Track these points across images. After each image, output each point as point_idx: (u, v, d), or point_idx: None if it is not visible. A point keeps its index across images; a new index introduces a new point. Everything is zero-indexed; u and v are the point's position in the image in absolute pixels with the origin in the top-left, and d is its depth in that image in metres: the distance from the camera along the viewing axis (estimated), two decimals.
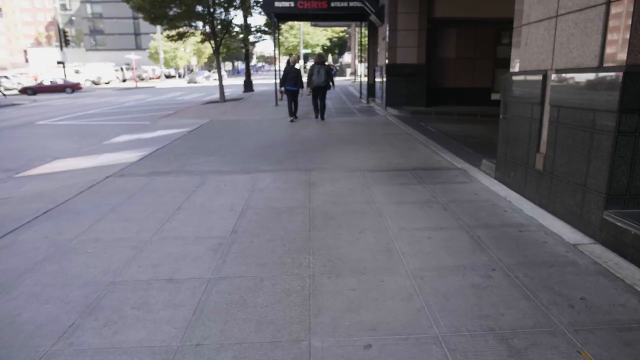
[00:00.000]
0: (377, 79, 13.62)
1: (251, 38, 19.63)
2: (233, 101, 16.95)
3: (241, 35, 18.99)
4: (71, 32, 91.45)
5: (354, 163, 5.97)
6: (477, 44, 12.87)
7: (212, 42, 16.51)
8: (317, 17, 15.28)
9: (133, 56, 44.96)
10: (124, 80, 52.35)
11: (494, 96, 13.25)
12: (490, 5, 11.96)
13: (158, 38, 51.20)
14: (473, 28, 12.79)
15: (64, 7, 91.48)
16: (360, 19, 15.66)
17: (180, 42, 17.49)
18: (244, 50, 22.08)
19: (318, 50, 54.37)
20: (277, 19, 15.35)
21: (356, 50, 21.02)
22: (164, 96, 25.31)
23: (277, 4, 13.25)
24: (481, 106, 12.83)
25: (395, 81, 12.12)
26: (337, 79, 15.63)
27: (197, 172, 5.68)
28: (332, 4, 13.15)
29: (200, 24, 16.60)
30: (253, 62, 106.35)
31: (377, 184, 4.89)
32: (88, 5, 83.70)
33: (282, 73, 10.78)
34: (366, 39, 16.77)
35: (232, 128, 9.61)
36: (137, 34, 79.44)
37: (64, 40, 41.75)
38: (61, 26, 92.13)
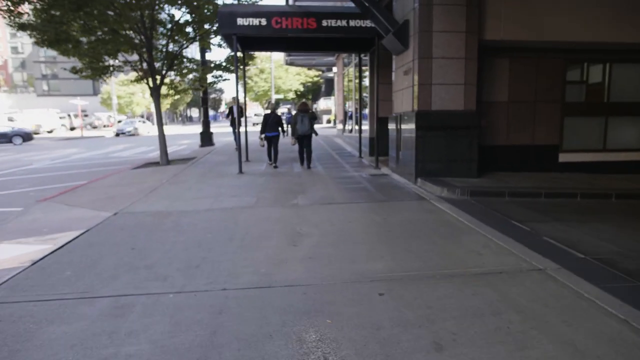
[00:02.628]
0: (392, 133, 9.13)
1: (209, 78, 15.04)
2: (180, 163, 12.00)
3: (193, 74, 14.36)
4: (23, 76, 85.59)
5: None
6: (539, 82, 8.67)
7: (150, 80, 11.76)
8: (300, 43, 10.85)
9: (79, 102, 39.62)
10: (72, 129, 46.50)
11: (565, 157, 8.93)
12: (562, 24, 7.86)
13: (111, 82, 46.35)
14: (534, 58, 8.62)
15: (15, 50, 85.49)
16: (361, 48, 11.35)
17: (136, 85, 13.02)
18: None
19: (291, 95, 50.81)
20: (241, 46, 10.84)
21: (343, 95, 16.68)
22: (100, 151, 20.15)
23: (240, 21, 8.76)
24: (548, 172, 8.48)
25: (430, 138, 7.61)
26: (316, 127, 11.69)
27: None
28: (325, 23, 8.78)
29: (130, 54, 11.91)
30: (222, 108, 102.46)
31: None
32: (42, 49, 78.45)
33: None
34: (362, 77, 12.49)
35: (147, 242, 4.64)
36: (95, 79, 74.40)
37: None
38: (11, 70, 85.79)
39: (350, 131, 14.22)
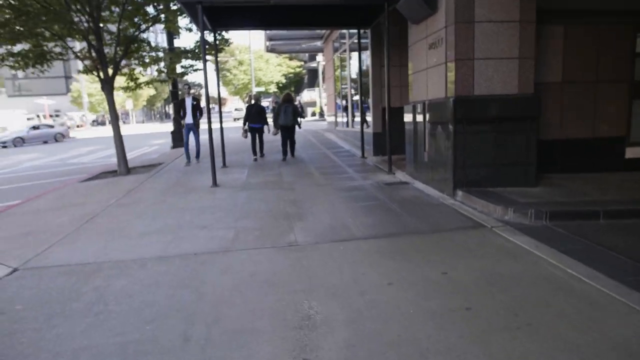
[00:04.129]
0: (409, 127, 7.05)
1: (178, 68, 12.73)
2: (142, 171, 9.73)
3: (160, 64, 12.05)
4: None
5: None
6: (600, 57, 6.67)
7: (100, 71, 9.43)
8: (284, 15, 8.56)
9: (45, 101, 36.67)
10: None
11: (633, 152, 6.99)
12: None
13: (81, 79, 43.18)
14: (595, 24, 6.60)
15: (9, 51, 79.25)
16: (361, 21, 9.20)
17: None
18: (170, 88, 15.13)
19: (272, 88, 48.33)
20: (211, 23, 8.59)
21: (334, 83, 14.54)
22: (61, 155, 17.70)
23: None
24: (612, 171, 6.57)
25: (473, 134, 5.55)
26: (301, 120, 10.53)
27: None
28: None
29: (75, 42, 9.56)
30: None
31: None
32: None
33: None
34: (358, 62, 10.35)
35: (31, 347, 2.49)
36: (67, 77, 70.67)
37: None
38: None
39: (348, 125, 12.09)
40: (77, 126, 49.59)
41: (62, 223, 5.48)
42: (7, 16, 8.25)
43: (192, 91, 10.60)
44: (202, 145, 10.27)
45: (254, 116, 10.15)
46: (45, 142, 27.39)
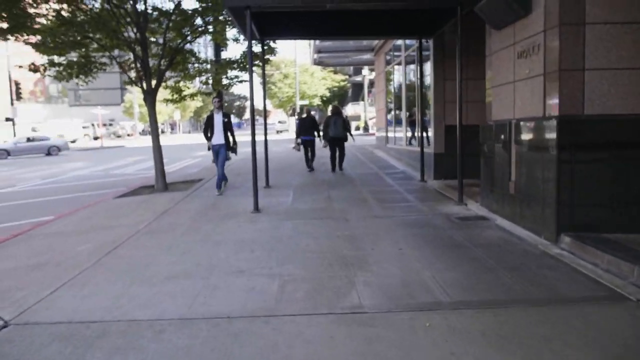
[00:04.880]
0: (488, 149, 5.89)
1: (223, 79, 12.17)
2: (181, 187, 9.07)
3: (205, 75, 11.56)
4: (58, 87, 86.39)
5: None
6: None
7: (144, 82, 8.93)
8: (339, 23, 7.66)
9: (99, 111, 37.94)
10: (96, 138, 45.09)
11: None
12: None
13: (134, 90, 44.64)
14: None
15: (51, 61, 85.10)
16: (424, 29, 8.17)
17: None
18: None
19: (316, 101, 47.89)
20: (259, 31, 7.85)
21: (386, 98, 13.53)
22: (106, 165, 17.71)
23: None
24: None
25: (585, 163, 4.34)
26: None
27: None
28: None
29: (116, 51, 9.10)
30: (246, 115, 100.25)
31: None
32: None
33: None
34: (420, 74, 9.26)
35: None
36: (123, 88, 74.11)
37: (15, 94, 34.99)
38: (47, 82, 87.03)
39: (411, 143, 10.86)
40: (128, 135, 51.41)
41: (81, 253, 4.75)
42: (51, 25, 7.89)
43: (218, 101, 8.24)
44: (242, 160, 9.48)
45: (306, 129, 10.26)
46: (46, 155, 25.92)
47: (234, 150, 8.17)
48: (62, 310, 3.28)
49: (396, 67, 12.55)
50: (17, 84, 34.86)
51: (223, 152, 7.89)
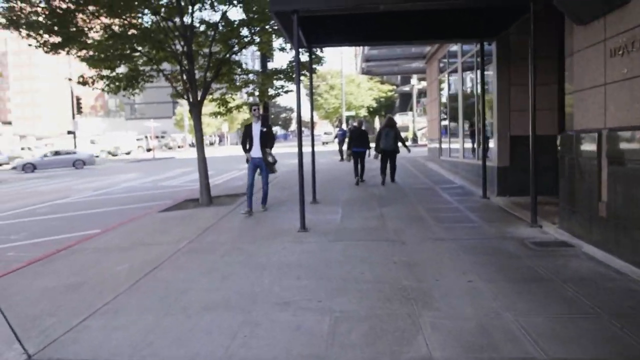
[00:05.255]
0: (570, 163, 5.09)
1: (269, 90, 11.96)
2: (225, 201, 8.83)
3: (252, 86, 11.40)
4: (116, 102, 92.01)
5: None
6: None
7: (190, 94, 8.82)
8: (391, 26, 7.14)
9: (152, 124, 39.55)
10: (149, 150, 47.11)
11: None
12: None
13: (184, 103, 46.27)
14: None
15: (99, 74, 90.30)
16: (486, 31, 7.46)
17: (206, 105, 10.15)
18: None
19: (363, 112, 47.32)
20: (306, 38, 7.49)
21: (439, 107, 12.78)
22: (156, 176, 18.06)
23: None
24: None
25: None
26: None
27: None
28: None
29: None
30: (292, 127, 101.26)
31: None
32: None
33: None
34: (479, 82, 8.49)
35: None
36: (174, 101, 77.42)
37: (76, 108, 37.16)
38: (107, 97, 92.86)
39: (475, 154, 10.00)
40: (178, 147, 53.31)
41: (120, 273, 4.48)
42: (100, 39, 7.94)
43: (257, 110, 7.28)
44: (287, 172, 9.11)
45: (357, 140, 10.21)
46: (74, 168, 26.33)
47: (271, 167, 7.33)
48: (88, 344, 2.94)
49: (451, 74, 11.80)
50: (78, 99, 36.96)
51: (263, 166, 7.31)
